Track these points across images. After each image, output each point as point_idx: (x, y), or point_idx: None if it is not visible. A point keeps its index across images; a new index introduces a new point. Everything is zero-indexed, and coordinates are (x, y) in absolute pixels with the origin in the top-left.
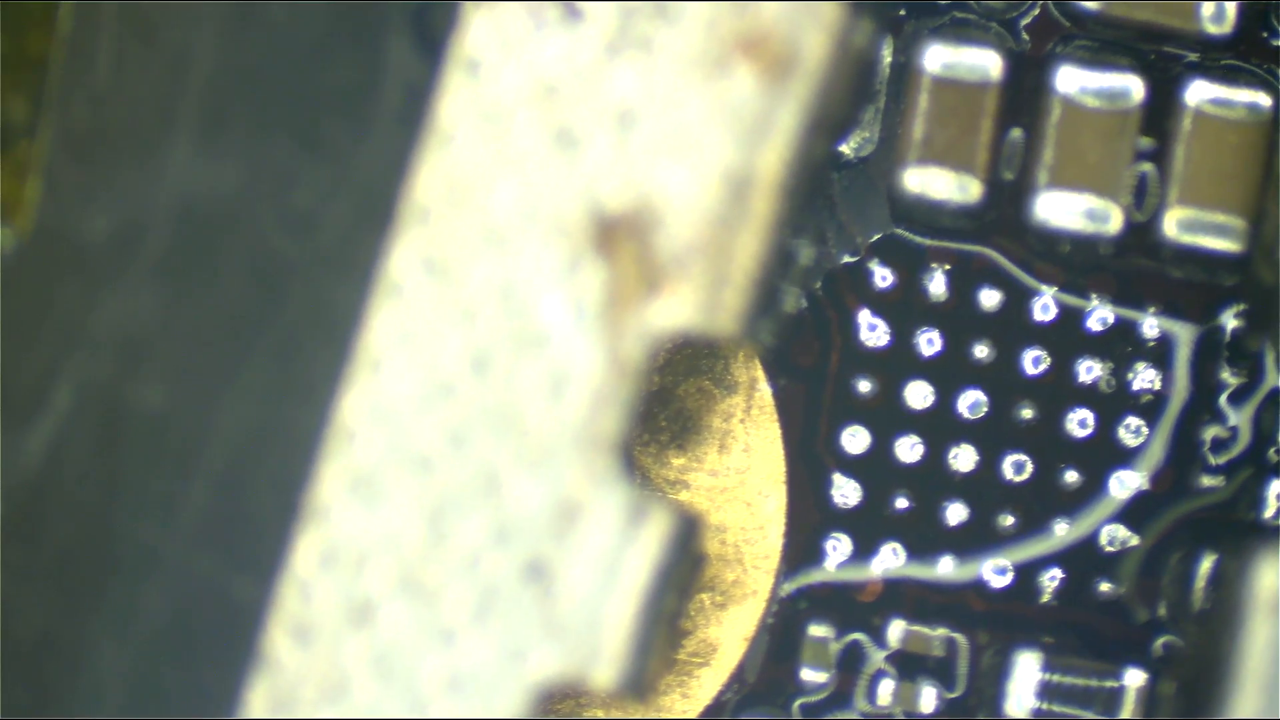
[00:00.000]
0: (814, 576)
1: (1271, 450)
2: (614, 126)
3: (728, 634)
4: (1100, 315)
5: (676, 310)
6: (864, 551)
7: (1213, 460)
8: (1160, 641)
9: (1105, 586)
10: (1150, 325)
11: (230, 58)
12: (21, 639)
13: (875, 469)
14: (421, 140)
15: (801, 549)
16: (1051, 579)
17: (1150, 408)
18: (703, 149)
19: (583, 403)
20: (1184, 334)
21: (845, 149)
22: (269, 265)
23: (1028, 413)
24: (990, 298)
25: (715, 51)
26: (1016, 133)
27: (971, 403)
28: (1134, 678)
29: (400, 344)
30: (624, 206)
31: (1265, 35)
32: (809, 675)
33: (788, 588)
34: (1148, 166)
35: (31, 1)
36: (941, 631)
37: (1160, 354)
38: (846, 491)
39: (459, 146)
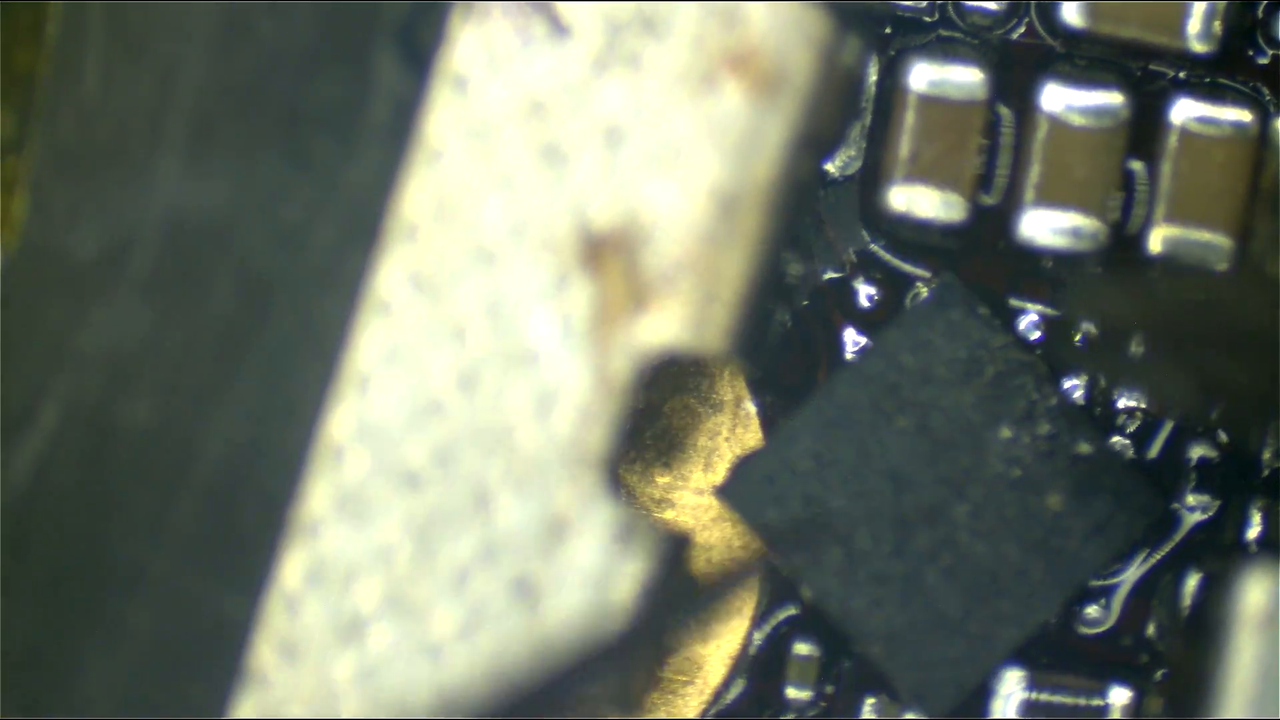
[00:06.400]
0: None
1: (1264, 471)
2: (602, 143)
3: (712, 652)
4: (1086, 332)
5: (664, 327)
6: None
7: (1199, 480)
8: (1146, 660)
9: (1092, 610)
10: (1136, 343)
11: (218, 74)
12: (11, 655)
13: None
14: (409, 156)
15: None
16: None
17: (1136, 427)
18: (690, 165)
19: (570, 420)
20: None
21: (831, 166)
22: (257, 281)
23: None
24: None
25: (703, 68)
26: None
27: None
28: (1119, 695)
29: (388, 361)
30: (612, 223)
31: (1251, 53)
32: (794, 693)
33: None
34: (1137, 165)
35: (19, 14)
36: None
37: None
38: None
39: (447, 163)
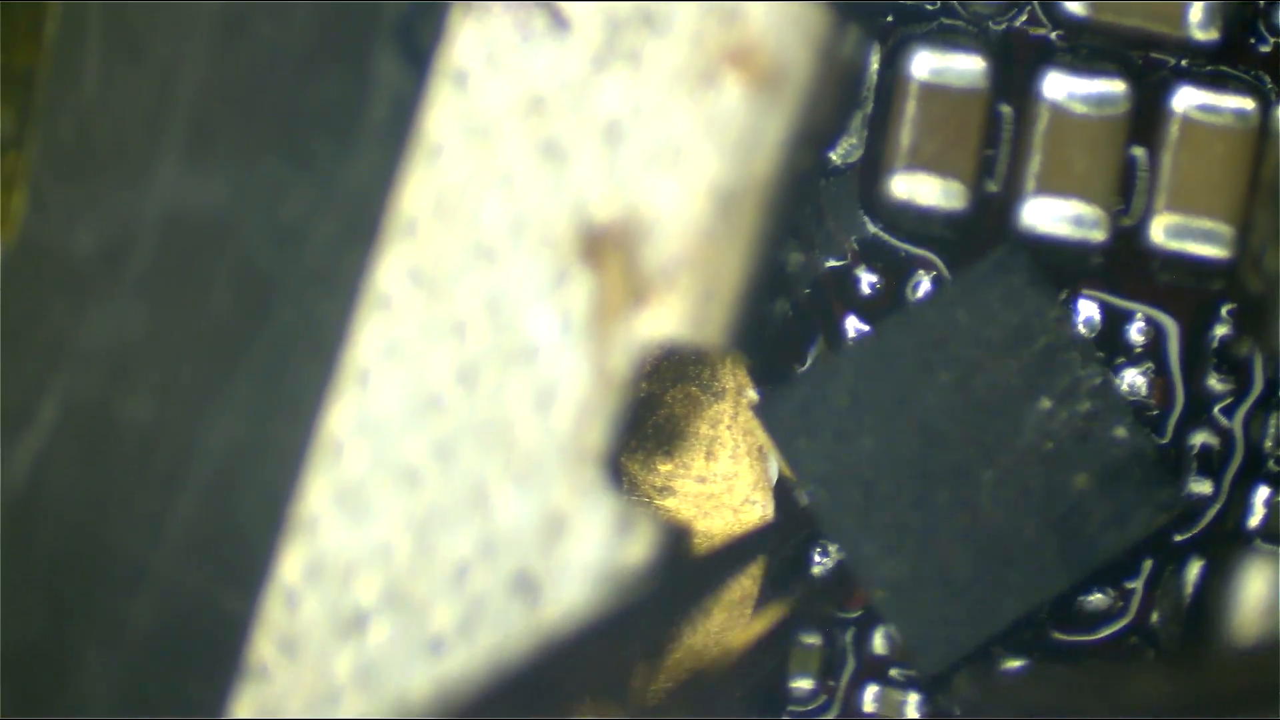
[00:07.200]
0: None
1: (1270, 461)
2: (601, 139)
3: (714, 641)
4: (1088, 320)
5: (663, 322)
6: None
7: (1201, 466)
8: (1151, 653)
9: (1096, 597)
10: (1138, 330)
11: (217, 72)
12: (11, 650)
13: None
14: (408, 153)
15: (788, 556)
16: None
17: (1137, 413)
18: (690, 161)
19: (570, 415)
20: (1172, 339)
21: (833, 156)
22: (256, 279)
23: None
24: None
25: (702, 64)
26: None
27: None
28: None
29: (387, 357)
30: (611, 218)
31: (1252, 41)
32: (797, 683)
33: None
34: (1139, 151)
35: (19, 13)
36: None
37: (1147, 359)
38: None
39: (446, 159)
